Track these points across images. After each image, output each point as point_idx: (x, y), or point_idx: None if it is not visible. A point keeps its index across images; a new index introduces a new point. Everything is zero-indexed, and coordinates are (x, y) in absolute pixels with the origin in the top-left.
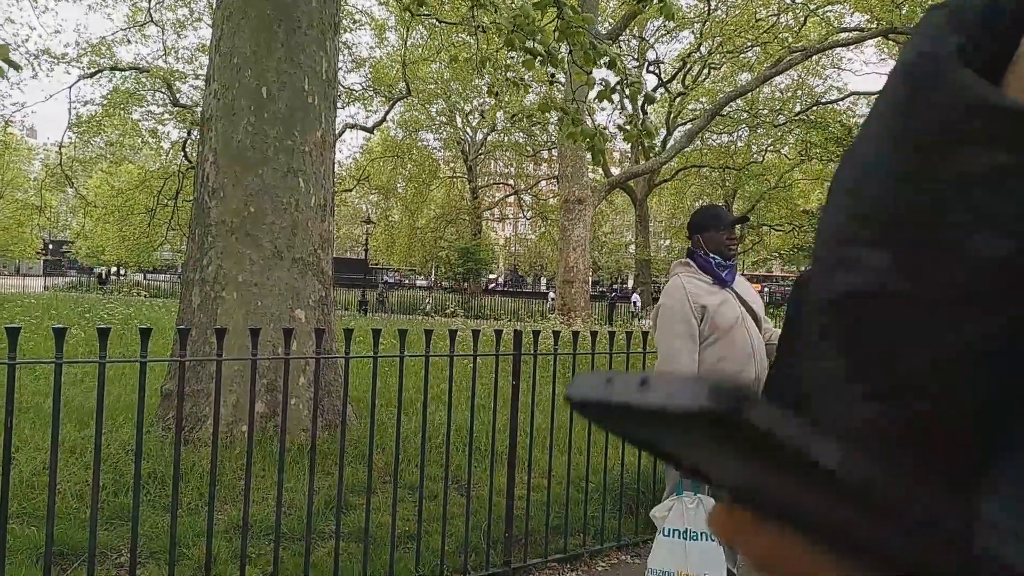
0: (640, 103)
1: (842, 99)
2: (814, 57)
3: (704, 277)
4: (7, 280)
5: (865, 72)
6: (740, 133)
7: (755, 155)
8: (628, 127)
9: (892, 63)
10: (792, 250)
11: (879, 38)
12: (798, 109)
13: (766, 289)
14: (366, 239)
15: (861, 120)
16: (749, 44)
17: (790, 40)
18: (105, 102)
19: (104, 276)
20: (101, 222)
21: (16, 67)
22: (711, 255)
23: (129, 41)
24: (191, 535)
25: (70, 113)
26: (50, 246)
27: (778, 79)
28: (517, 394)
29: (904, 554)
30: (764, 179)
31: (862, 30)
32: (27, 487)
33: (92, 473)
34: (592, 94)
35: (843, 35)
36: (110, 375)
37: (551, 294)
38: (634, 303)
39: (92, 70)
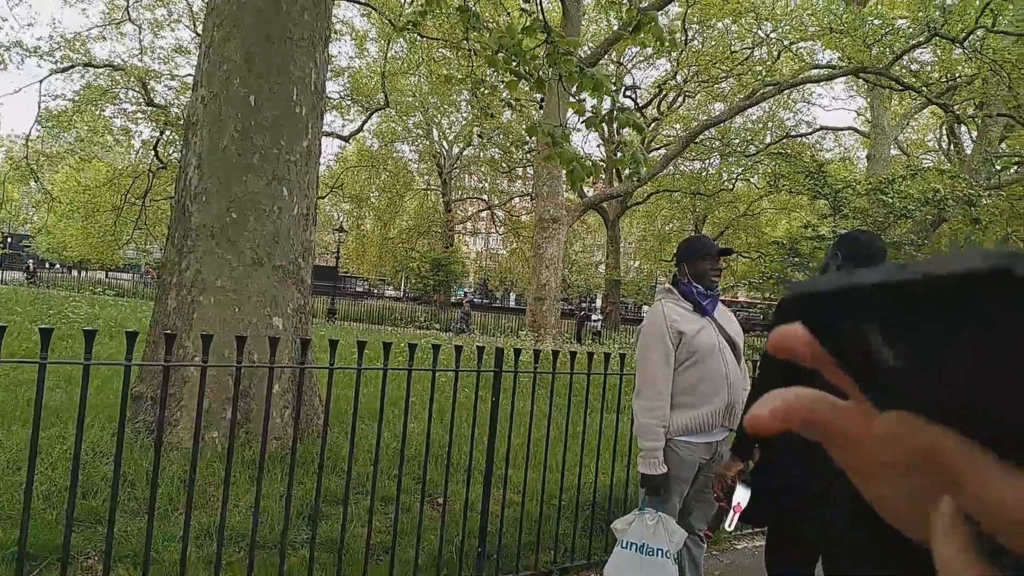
0: (620, 128)
1: (811, 133)
2: (786, 91)
3: (685, 304)
4: None
5: (834, 108)
6: (712, 161)
7: (725, 183)
8: (618, 155)
9: (860, 100)
10: (760, 277)
11: (848, 76)
12: (769, 140)
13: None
14: (337, 247)
15: (828, 155)
16: (724, 75)
17: (764, 73)
18: (77, 98)
19: (32, 270)
20: (65, 218)
21: None
22: (694, 284)
23: (104, 38)
24: (161, 540)
25: (39, 107)
26: (9, 239)
27: (750, 110)
28: (496, 410)
29: None
30: (733, 207)
31: (833, 67)
32: None
33: (70, 475)
34: (571, 118)
35: (815, 71)
36: (74, 375)
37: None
38: (597, 322)
39: (65, 65)
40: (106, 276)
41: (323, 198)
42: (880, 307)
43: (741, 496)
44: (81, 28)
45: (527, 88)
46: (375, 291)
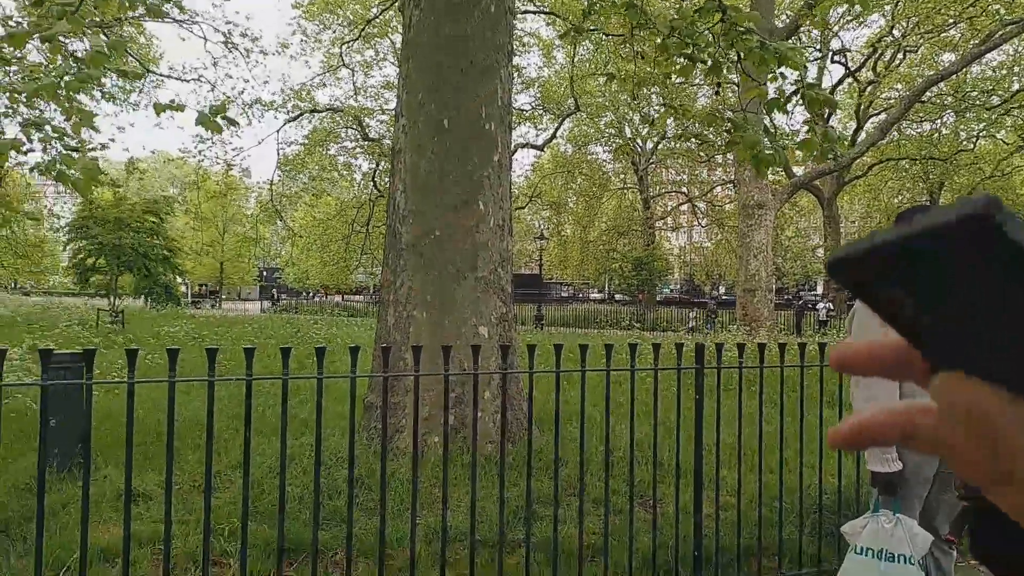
0: (810, 107)
1: None
2: None
3: None
4: (232, 304)
5: None
6: (945, 119)
7: (964, 143)
8: (805, 140)
9: None
10: None
11: None
12: (1017, 87)
13: None
14: (540, 255)
15: None
16: (952, 21)
17: (1002, 12)
18: (306, 142)
19: (276, 298)
20: (306, 250)
21: (234, 123)
22: None
23: (325, 85)
24: (394, 537)
25: (278, 154)
26: (264, 273)
27: (989, 56)
28: (701, 409)
29: None
30: (977, 169)
31: None
32: (257, 490)
33: (314, 479)
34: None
35: None
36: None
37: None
38: (822, 310)
39: (295, 114)
40: (342, 299)
41: (522, 208)
42: (897, 266)
43: None
44: (305, 79)
45: (705, 75)
46: (580, 295)
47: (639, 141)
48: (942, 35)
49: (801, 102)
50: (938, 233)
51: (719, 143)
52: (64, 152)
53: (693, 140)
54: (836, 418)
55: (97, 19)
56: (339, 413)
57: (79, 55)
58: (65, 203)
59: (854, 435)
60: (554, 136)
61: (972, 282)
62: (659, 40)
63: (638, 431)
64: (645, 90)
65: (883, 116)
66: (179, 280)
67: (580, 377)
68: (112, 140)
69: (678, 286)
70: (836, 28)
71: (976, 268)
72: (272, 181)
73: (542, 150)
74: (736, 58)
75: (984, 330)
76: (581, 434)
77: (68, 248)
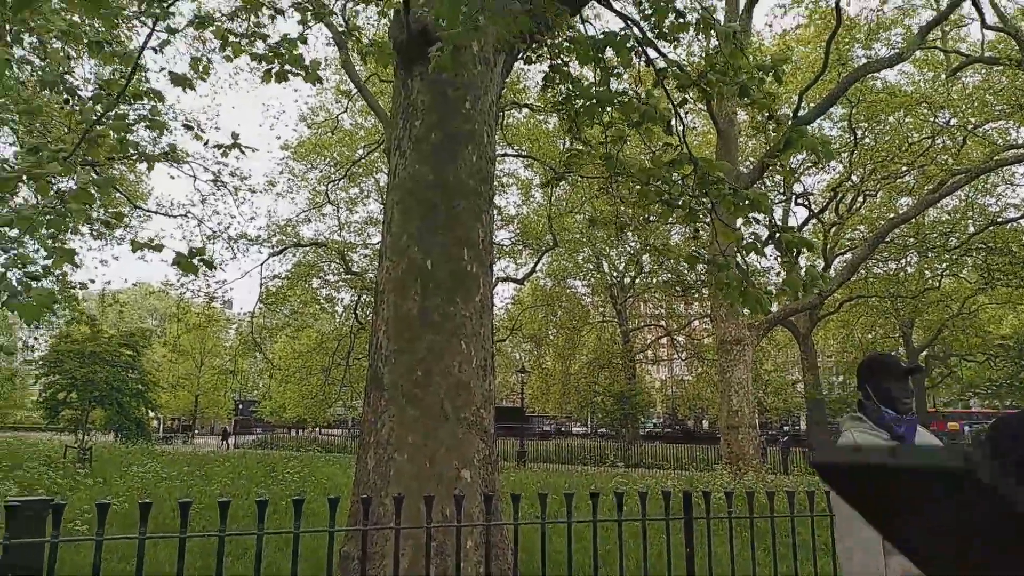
0: (787, 249)
1: (1022, 217)
2: (980, 176)
3: (879, 432)
4: (204, 440)
5: None
6: (909, 259)
7: (929, 281)
8: (788, 278)
9: None
10: (988, 384)
11: None
12: (972, 230)
13: (966, 428)
14: (521, 388)
15: None
16: (904, 169)
17: (950, 162)
18: (290, 275)
19: (225, 434)
20: (284, 383)
21: (211, 266)
22: (884, 408)
23: (309, 220)
24: None
25: (261, 287)
26: (240, 406)
27: (945, 200)
28: (692, 564)
29: None
30: (944, 306)
31: None
32: None
33: None
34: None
35: (1011, 152)
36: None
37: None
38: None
39: (280, 248)
40: (319, 432)
41: (503, 341)
42: (879, 481)
43: None
44: (291, 214)
45: (679, 220)
46: (562, 428)
47: (616, 275)
48: (898, 181)
49: (773, 244)
50: (925, 471)
51: (698, 282)
52: (25, 278)
53: (670, 277)
54: (830, 567)
55: (89, 158)
56: (315, 561)
57: (64, 191)
58: (40, 336)
59: None
60: (533, 270)
61: (941, 508)
62: (637, 187)
63: None
64: (624, 231)
65: (849, 255)
66: (151, 415)
67: (567, 528)
68: (93, 280)
69: (660, 420)
70: (798, 173)
71: (946, 502)
72: (253, 313)
73: (522, 284)
74: (710, 205)
75: (951, 543)
76: None
77: (39, 382)
